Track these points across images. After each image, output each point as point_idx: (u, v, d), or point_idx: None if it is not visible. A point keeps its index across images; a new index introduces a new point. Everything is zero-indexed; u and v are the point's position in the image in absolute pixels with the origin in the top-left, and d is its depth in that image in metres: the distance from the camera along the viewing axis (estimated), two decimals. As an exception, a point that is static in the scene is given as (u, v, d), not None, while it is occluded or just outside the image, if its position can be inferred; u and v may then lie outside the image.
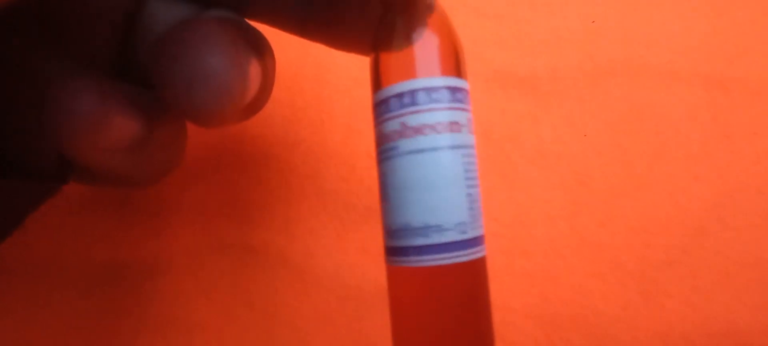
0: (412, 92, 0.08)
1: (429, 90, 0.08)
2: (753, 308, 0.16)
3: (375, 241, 0.17)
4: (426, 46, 0.08)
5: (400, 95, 0.08)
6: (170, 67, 0.08)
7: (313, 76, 0.19)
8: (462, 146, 0.08)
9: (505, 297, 0.16)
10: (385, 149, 0.09)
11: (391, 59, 0.09)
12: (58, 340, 0.16)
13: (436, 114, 0.08)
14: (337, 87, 0.18)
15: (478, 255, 0.09)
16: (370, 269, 0.17)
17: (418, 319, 0.08)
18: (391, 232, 0.09)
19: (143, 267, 0.17)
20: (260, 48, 0.10)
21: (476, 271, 0.08)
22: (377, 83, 0.09)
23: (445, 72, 0.09)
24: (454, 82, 0.09)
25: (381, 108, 0.09)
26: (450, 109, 0.08)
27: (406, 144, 0.08)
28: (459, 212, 0.08)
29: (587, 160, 0.17)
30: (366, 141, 0.18)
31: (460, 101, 0.09)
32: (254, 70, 0.09)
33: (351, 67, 0.19)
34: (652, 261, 0.16)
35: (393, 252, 0.09)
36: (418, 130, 0.08)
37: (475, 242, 0.09)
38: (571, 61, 0.18)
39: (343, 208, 0.17)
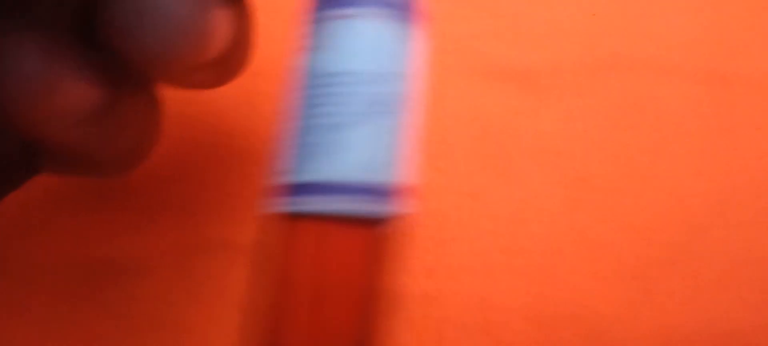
0: None
1: None
2: (756, 308, 0.15)
3: (369, 239, 0.17)
4: None
5: None
6: (124, 15, 0.07)
7: (305, 69, 0.18)
8: None
9: (502, 297, 0.16)
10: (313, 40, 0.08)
11: None
12: (38, 344, 0.16)
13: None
14: (330, 80, 0.18)
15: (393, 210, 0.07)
16: (364, 268, 0.16)
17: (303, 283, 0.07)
18: (291, 166, 0.08)
19: (126, 268, 0.16)
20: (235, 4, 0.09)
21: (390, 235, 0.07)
22: None
23: None
24: None
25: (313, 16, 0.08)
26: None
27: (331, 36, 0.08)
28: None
29: (587, 157, 0.17)
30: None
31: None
32: (221, 14, 0.08)
33: (344, 60, 0.18)
34: (653, 259, 0.16)
35: (291, 194, 0.07)
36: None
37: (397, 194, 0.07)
38: (571, 55, 0.18)
39: (335, 205, 0.17)
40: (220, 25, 0.08)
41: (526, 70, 0.18)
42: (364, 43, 0.07)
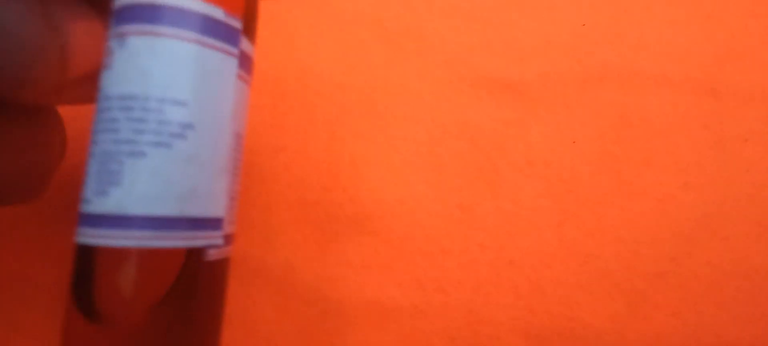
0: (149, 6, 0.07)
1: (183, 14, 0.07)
2: (743, 320, 0.15)
3: (359, 253, 0.17)
4: None
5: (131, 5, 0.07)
6: None
7: (296, 80, 0.18)
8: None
9: (491, 310, 0.16)
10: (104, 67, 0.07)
11: None
12: (29, 357, 0.16)
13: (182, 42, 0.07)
14: (321, 92, 0.18)
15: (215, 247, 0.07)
16: (354, 282, 0.16)
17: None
18: (89, 188, 0.07)
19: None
20: (102, 4, 0.08)
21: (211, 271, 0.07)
22: None
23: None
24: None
25: (114, 19, 0.07)
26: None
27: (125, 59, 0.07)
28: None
29: (576, 168, 0.17)
30: (350, 149, 0.17)
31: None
32: (85, 27, 0.08)
33: (335, 72, 0.18)
34: (641, 272, 0.16)
35: (86, 224, 0.07)
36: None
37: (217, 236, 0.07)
38: (561, 67, 0.18)
39: (325, 218, 0.17)
40: (81, 39, 0.08)
41: (516, 81, 0.18)
42: (155, 64, 0.06)
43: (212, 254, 0.07)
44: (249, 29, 0.08)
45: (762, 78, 0.17)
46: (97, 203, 0.06)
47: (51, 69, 0.07)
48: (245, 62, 0.08)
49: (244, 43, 0.07)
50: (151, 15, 0.07)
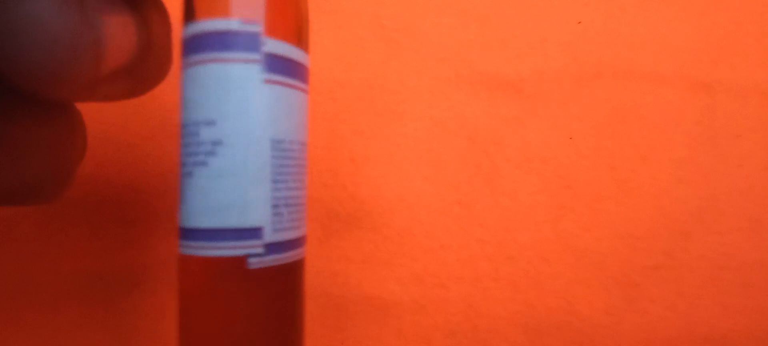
0: (228, 34, 0.07)
1: (251, 37, 0.07)
2: (736, 312, 0.16)
3: (359, 248, 0.17)
4: None
5: (211, 33, 0.07)
6: None
7: (294, 79, 0.18)
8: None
9: (490, 304, 0.16)
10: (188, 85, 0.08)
11: None
12: (29, 355, 0.16)
13: (254, 69, 0.08)
14: (320, 90, 0.18)
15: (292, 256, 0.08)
16: (354, 277, 0.17)
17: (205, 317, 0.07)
18: (188, 211, 0.08)
19: (116, 280, 0.16)
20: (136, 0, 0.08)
21: (294, 276, 0.08)
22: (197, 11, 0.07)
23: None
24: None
25: (189, 44, 0.07)
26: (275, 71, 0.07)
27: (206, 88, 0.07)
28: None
29: (572, 164, 0.17)
30: (350, 146, 0.17)
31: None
32: (118, 22, 0.07)
33: (334, 69, 0.18)
34: (637, 266, 0.16)
35: (188, 239, 0.08)
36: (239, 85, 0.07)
37: (295, 244, 0.08)
38: (557, 64, 0.18)
39: (325, 215, 0.17)
40: (115, 34, 0.08)
41: (513, 78, 0.18)
42: (188, 91, 0.07)
43: (254, 263, 0.07)
44: (278, 29, 0.08)
45: (754, 75, 0.17)
46: (179, 218, 0.07)
47: (85, 65, 0.07)
48: (277, 64, 0.07)
49: (270, 45, 0.07)
50: (186, 48, 0.07)
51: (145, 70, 0.09)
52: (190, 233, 0.07)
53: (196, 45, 0.07)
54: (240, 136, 0.07)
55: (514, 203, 0.17)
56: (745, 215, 0.16)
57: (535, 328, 0.16)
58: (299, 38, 0.08)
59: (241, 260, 0.07)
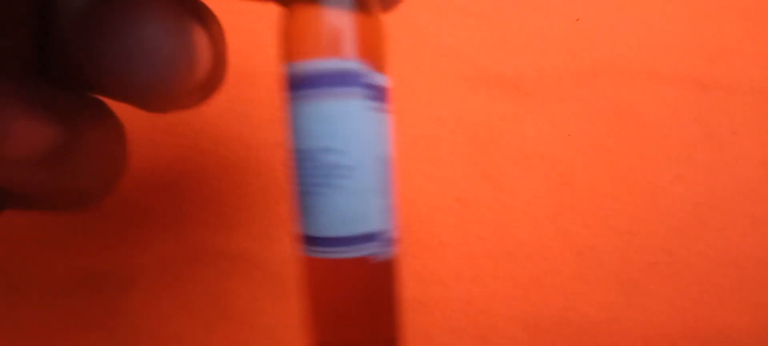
0: (343, 73, 0.09)
1: (354, 76, 0.09)
2: (735, 308, 0.16)
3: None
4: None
5: (328, 73, 0.08)
6: (102, 46, 0.07)
7: (292, 76, 0.18)
8: None
9: (489, 301, 0.16)
10: (301, 120, 0.09)
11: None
12: (23, 355, 0.16)
13: (362, 103, 0.09)
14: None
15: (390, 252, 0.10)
16: (353, 274, 0.16)
17: (336, 305, 0.09)
18: (309, 223, 0.10)
19: (113, 278, 0.16)
20: (203, 14, 0.09)
21: (390, 267, 0.10)
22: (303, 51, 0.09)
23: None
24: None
25: (299, 82, 0.09)
26: (376, 106, 0.09)
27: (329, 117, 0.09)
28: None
29: (571, 161, 0.17)
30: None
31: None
32: (201, 39, 0.08)
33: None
34: (635, 262, 0.16)
35: (315, 245, 0.09)
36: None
37: (391, 241, 0.10)
38: (555, 61, 0.18)
39: (323, 212, 0.17)
40: (203, 48, 0.08)
41: (512, 75, 0.18)
42: (317, 123, 0.09)
43: (374, 259, 0.09)
44: (375, 63, 0.09)
45: (750, 72, 0.17)
46: (304, 228, 0.09)
47: (185, 81, 0.08)
48: (379, 93, 0.09)
49: (376, 78, 0.09)
50: (297, 84, 0.09)
51: (211, 82, 0.09)
52: (319, 241, 0.09)
53: (310, 81, 0.08)
54: (359, 159, 0.08)
55: (513, 200, 0.17)
56: (743, 211, 0.16)
57: (535, 324, 0.16)
58: (383, 63, 0.09)
59: (365, 259, 0.09)
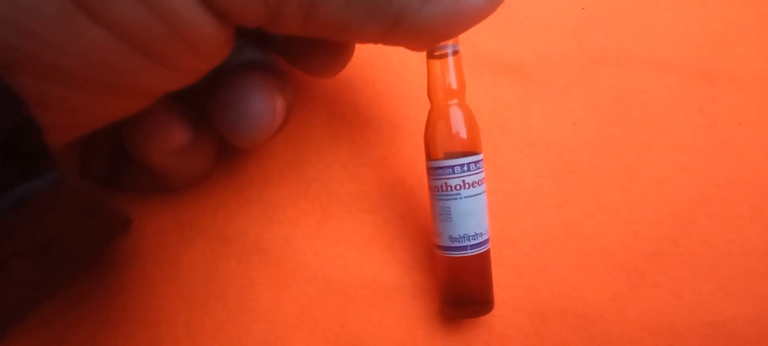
0: (470, 163, 0.14)
1: (477, 162, 0.14)
2: (739, 298, 0.16)
3: (359, 231, 0.16)
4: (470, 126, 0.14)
5: (462, 164, 0.14)
6: (225, 110, 0.12)
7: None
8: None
9: (494, 289, 0.16)
10: (450, 193, 0.14)
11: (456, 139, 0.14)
12: (14, 339, 0.15)
13: (479, 175, 0.14)
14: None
15: (488, 246, 0.15)
16: (353, 260, 0.16)
17: (468, 280, 0.15)
18: (453, 238, 0.14)
19: (107, 258, 0.16)
20: (287, 89, 0.13)
21: (488, 256, 0.15)
22: (436, 151, 0.14)
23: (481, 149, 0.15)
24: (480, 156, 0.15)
25: (445, 169, 0.14)
26: (481, 171, 0.14)
27: (465, 192, 0.14)
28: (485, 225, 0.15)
29: (576, 149, 0.17)
30: (350, 126, 0.17)
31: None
32: (282, 106, 0.13)
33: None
34: (640, 252, 0.16)
35: (455, 249, 0.14)
36: (471, 185, 0.14)
37: (488, 241, 0.15)
38: (561, 49, 0.18)
39: (325, 195, 0.16)
40: (282, 112, 0.13)
41: (516, 63, 0.18)
42: (451, 200, 0.14)
43: (485, 250, 0.15)
44: (480, 146, 0.15)
45: (755, 64, 0.17)
46: (438, 238, 0.15)
47: (268, 131, 0.13)
48: (481, 164, 0.15)
49: (481, 158, 0.15)
50: (440, 171, 0.14)
51: (282, 125, 0.14)
52: (454, 240, 0.14)
53: (450, 170, 0.14)
54: (480, 215, 0.14)
55: (518, 188, 0.17)
56: (747, 201, 0.16)
57: (539, 313, 0.16)
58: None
59: (483, 253, 0.15)
